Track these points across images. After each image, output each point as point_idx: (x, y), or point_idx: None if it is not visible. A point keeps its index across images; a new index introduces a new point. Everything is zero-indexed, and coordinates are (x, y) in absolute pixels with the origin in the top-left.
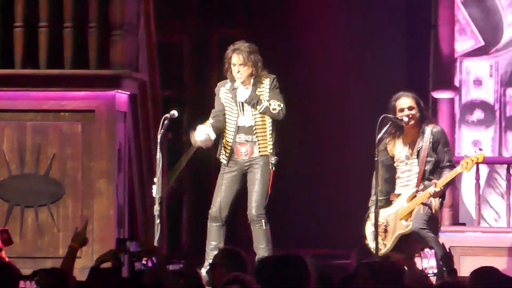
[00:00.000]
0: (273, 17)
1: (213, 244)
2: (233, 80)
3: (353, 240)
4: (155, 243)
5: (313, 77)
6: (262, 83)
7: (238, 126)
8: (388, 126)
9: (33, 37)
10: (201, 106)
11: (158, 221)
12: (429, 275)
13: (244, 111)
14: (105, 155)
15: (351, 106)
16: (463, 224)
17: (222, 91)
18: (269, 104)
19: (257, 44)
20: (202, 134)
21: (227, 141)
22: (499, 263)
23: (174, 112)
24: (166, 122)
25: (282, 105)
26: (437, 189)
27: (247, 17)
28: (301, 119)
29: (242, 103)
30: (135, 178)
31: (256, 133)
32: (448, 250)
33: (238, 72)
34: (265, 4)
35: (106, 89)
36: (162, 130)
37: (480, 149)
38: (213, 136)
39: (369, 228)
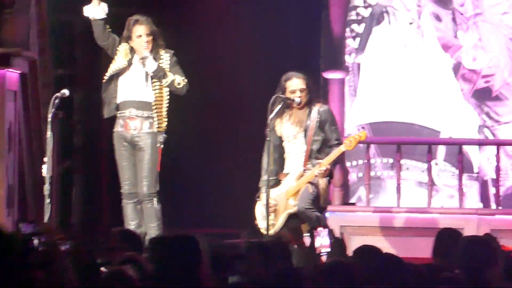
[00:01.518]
0: None
1: (133, 224)
2: (133, 51)
3: (244, 220)
4: (45, 222)
5: (207, 55)
6: (161, 57)
7: (122, 102)
8: (280, 106)
9: None
10: (93, 85)
11: (48, 200)
12: (322, 254)
13: (147, 82)
14: None
15: (245, 85)
16: (353, 204)
17: (124, 46)
18: (175, 78)
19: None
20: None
21: (114, 98)
22: (389, 243)
23: (65, 91)
24: (57, 101)
25: (185, 80)
26: (323, 168)
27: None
28: (194, 97)
29: (147, 74)
30: (25, 158)
31: (155, 108)
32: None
33: (147, 41)
34: None
35: None
36: (53, 109)
37: (363, 127)
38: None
39: (259, 209)
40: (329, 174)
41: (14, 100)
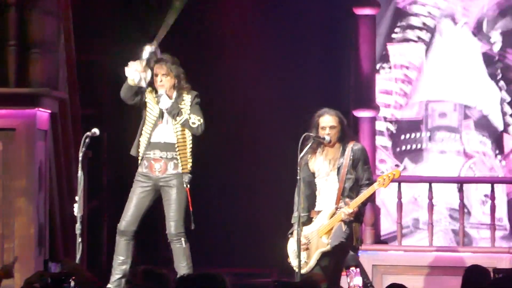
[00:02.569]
0: (193, 32)
1: (121, 259)
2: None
3: (274, 258)
4: (77, 262)
5: (233, 92)
6: (183, 99)
7: (150, 142)
8: (309, 145)
9: None
10: (121, 124)
11: (79, 239)
12: None
13: (163, 119)
14: (25, 173)
15: (272, 123)
16: (385, 243)
17: (149, 94)
18: (189, 118)
19: (179, 59)
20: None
21: (141, 152)
22: (421, 282)
23: (95, 130)
24: (87, 140)
25: (201, 120)
26: (350, 210)
27: (168, 36)
28: (221, 136)
29: (162, 112)
30: (56, 197)
31: (178, 149)
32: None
33: (161, 81)
34: (184, 21)
35: (27, 107)
36: (83, 149)
37: (397, 166)
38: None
39: (291, 246)
40: (357, 216)
41: (45, 140)
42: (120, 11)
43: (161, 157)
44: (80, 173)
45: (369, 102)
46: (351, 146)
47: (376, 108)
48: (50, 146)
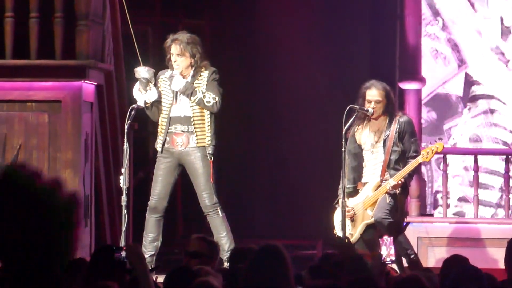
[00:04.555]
0: (238, 8)
1: (152, 236)
2: (173, 69)
3: (319, 230)
4: (122, 234)
5: (278, 67)
6: (200, 75)
7: (170, 117)
8: (354, 117)
9: None
10: None
11: (125, 211)
12: (387, 262)
13: (177, 100)
14: (71, 145)
15: (317, 96)
16: (431, 215)
17: (162, 79)
18: (204, 96)
19: (221, 35)
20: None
21: (161, 131)
22: (466, 254)
23: (141, 102)
24: (133, 112)
25: (217, 98)
26: (394, 182)
27: (212, 8)
28: (267, 108)
29: (176, 92)
30: (101, 169)
31: (194, 123)
32: (408, 241)
33: (175, 62)
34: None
35: (73, 79)
36: (129, 121)
37: (440, 139)
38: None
39: (337, 217)
40: (403, 187)
41: (91, 112)
42: None
43: (182, 131)
44: (126, 145)
45: (414, 74)
46: (397, 118)
47: (422, 80)
48: (96, 118)
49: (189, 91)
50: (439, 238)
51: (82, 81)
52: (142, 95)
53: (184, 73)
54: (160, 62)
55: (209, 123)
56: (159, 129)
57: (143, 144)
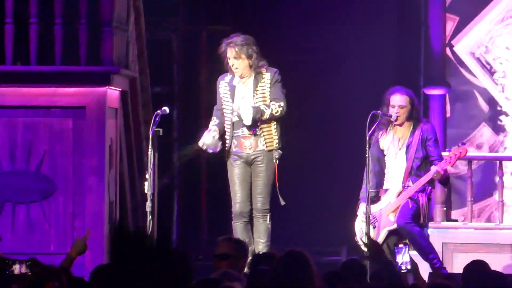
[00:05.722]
0: (262, 14)
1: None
2: (233, 73)
3: (343, 236)
4: None
5: (303, 75)
6: (263, 78)
7: (233, 122)
8: (377, 122)
9: (24, 33)
10: (191, 102)
11: (149, 217)
12: (402, 270)
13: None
14: (96, 151)
15: (341, 102)
16: (455, 221)
17: (222, 85)
18: (271, 110)
19: None
20: (209, 138)
21: (227, 135)
22: (491, 260)
23: (166, 109)
24: (157, 118)
25: (282, 104)
26: (440, 169)
27: (236, 14)
28: (292, 117)
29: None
30: (126, 175)
31: (261, 127)
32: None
33: (233, 65)
34: (254, 1)
35: (97, 85)
36: (154, 127)
37: (463, 143)
38: (218, 138)
39: (358, 224)
40: (445, 180)
41: (115, 118)
42: None
43: (249, 134)
44: (150, 151)
45: (439, 80)
46: (421, 126)
47: (447, 85)
48: (120, 124)
49: (258, 115)
50: (464, 244)
51: (107, 87)
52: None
53: (245, 74)
54: (185, 69)
55: (276, 126)
56: (227, 134)
57: (168, 150)
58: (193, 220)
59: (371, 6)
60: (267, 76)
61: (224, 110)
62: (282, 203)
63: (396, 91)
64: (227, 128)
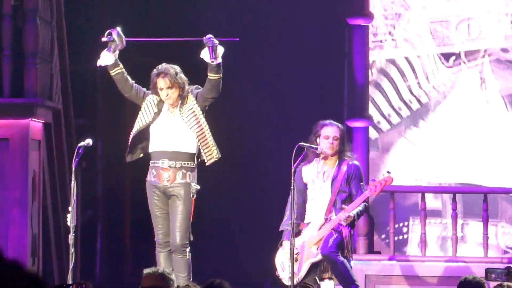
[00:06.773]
0: (182, 43)
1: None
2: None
3: (267, 269)
4: (69, 273)
5: (229, 104)
6: (187, 101)
7: (158, 151)
8: (302, 154)
9: None
10: (115, 134)
11: (72, 250)
12: None
13: (169, 129)
14: (19, 183)
15: (266, 134)
16: (378, 253)
17: (151, 98)
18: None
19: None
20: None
21: (150, 164)
22: None
23: (89, 141)
24: (80, 150)
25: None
26: (347, 214)
27: (160, 46)
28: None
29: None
30: (49, 207)
31: (200, 142)
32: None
33: (167, 95)
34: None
35: (20, 117)
36: (77, 159)
37: (388, 172)
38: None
39: (279, 258)
40: (352, 224)
41: (39, 150)
42: (112, 18)
43: (169, 166)
44: (73, 183)
45: (362, 112)
46: (347, 161)
47: (369, 118)
48: (43, 156)
49: (195, 128)
50: (387, 276)
51: (30, 119)
52: (110, 55)
53: (174, 104)
54: (109, 100)
55: (211, 137)
56: (150, 160)
57: (92, 182)
58: (117, 252)
59: (295, 36)
60: (190, 96)
61: (144, 122)
62: (191, 238)
63: (330, 123)
64: (152, 144)
